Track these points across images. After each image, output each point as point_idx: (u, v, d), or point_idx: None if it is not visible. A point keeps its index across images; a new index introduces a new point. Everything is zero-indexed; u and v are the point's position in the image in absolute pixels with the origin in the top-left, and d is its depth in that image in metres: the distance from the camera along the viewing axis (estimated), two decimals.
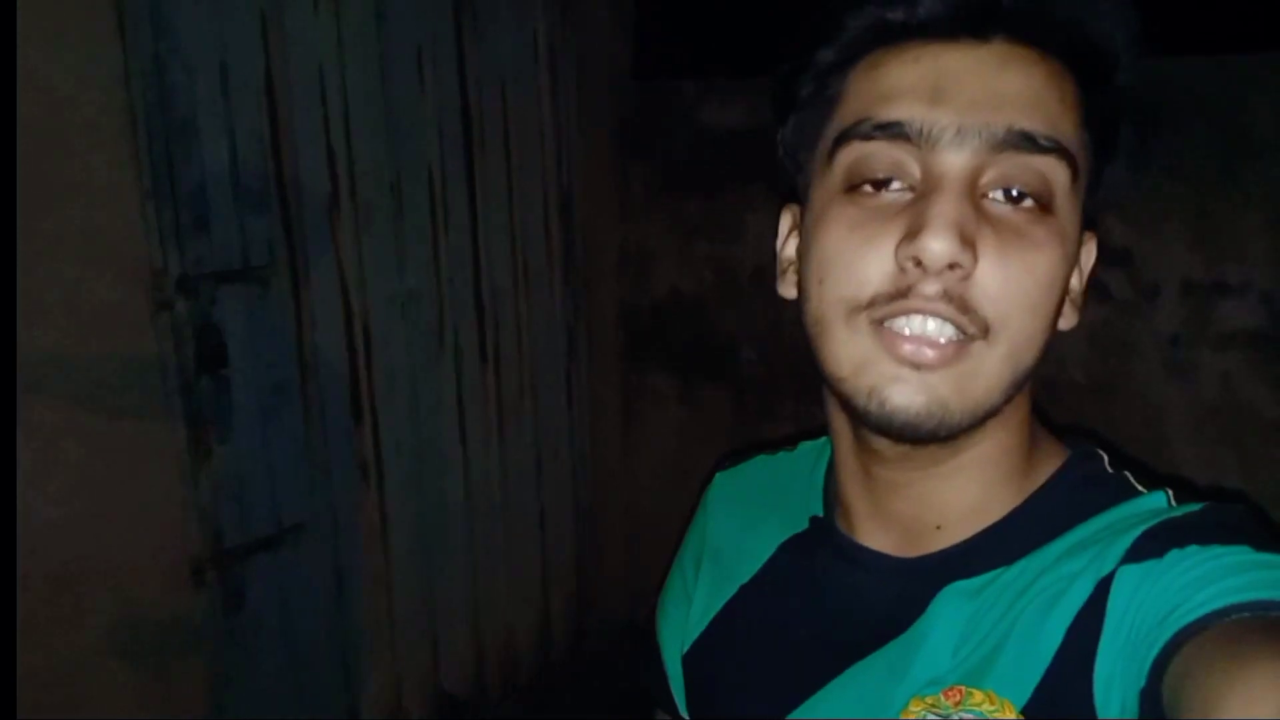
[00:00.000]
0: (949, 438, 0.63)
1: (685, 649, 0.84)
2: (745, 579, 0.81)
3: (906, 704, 0.65)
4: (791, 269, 0.73)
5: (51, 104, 1.72)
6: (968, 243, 0.58)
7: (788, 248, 0.75)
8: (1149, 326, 2.15)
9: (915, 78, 0.61)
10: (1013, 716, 0.61)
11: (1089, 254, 0.70)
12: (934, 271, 0.59)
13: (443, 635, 2.59)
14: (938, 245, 0.58)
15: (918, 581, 0.69)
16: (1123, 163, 0.66)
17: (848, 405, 0.65)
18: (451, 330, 2.51)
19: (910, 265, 0.59)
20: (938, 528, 0.69)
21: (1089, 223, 0.67)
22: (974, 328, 0.60)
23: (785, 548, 0.80)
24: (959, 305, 0.59)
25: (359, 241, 2.24)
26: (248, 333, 2.02)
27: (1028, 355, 0.62)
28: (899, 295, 0.60)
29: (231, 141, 1.96)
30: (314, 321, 2.16)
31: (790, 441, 0.89)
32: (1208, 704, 0.49)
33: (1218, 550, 0.57)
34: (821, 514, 0.79)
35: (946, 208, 0.59)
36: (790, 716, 0.72)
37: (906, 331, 0.61)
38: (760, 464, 0.90)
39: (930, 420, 0.61)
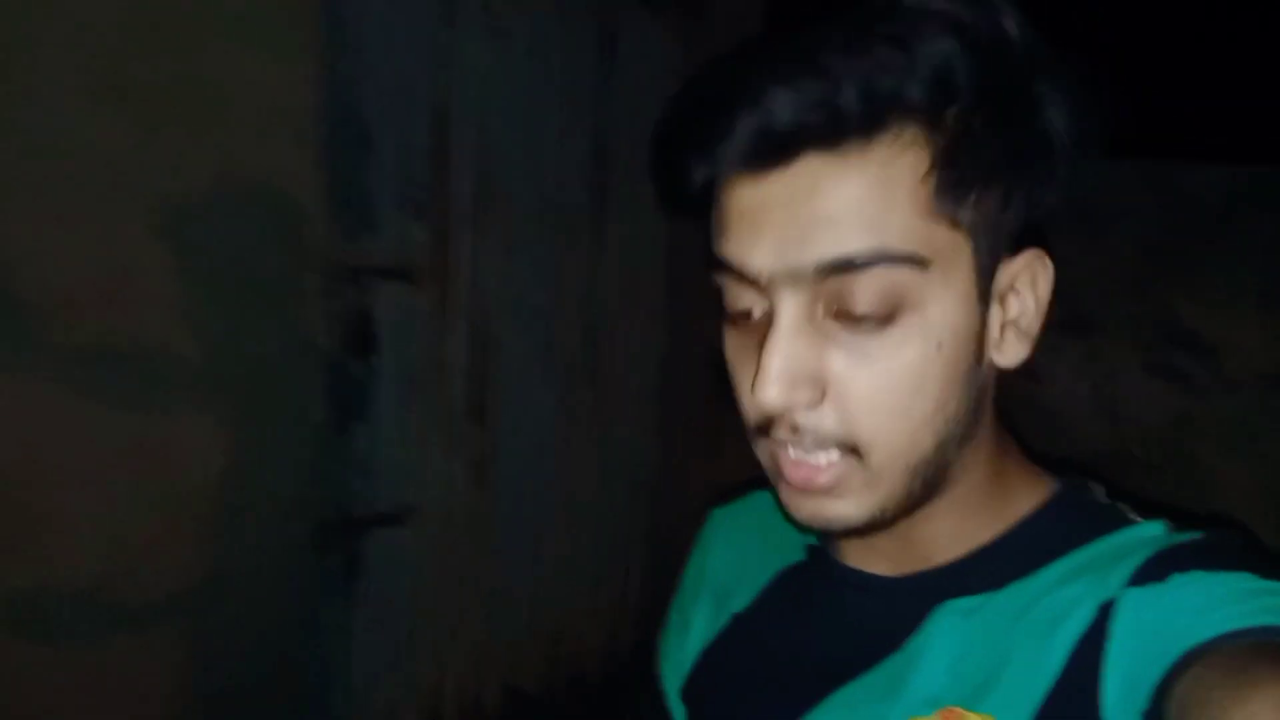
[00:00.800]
0: (878, 528, 0.64)
1: (682, 684, 0.84)
2: (740, 609, 0.82)
3: None
4: None
5: (263, 106, 1.98)
6: (801, 382, 0.59)
7: None
8: (1227, 414, 2.26)
9: (738, 213, 0.61)
10: None
11: (1032, 273, 0.65)
12: (774, 415, 0.61)
13: (523, 633, 2.75)
14: (762, 397, 0.59)
15: (909, 598, 0.69)
16: (1060, 156, 0.60)
17: None
18: (563, 349, 2.71)
19: None
20: (926, 559, 0.70)
21: (1020, 240, 0.63)
22: (844, 448, 0.61)
23: (782, 576, 0.81)
24: (815, 437, 0.61)
25: (496, 257, 2.47)
26: (397, 326, 2.25)
27: (918, 447, 0.61)
28: (770, 427, 0.63)
29: (403, 154, 2.22)
30: (452, 324, 2.39)
31: None
32: None
33: (1222, 576, 0.57)
34: (817, 543, 0.79)
35: (774, 356, 0.59)
36: None
37: (794, 456, 0.63)
38: (757, 498, 0.88)
39: (841, 529, 0.64)
